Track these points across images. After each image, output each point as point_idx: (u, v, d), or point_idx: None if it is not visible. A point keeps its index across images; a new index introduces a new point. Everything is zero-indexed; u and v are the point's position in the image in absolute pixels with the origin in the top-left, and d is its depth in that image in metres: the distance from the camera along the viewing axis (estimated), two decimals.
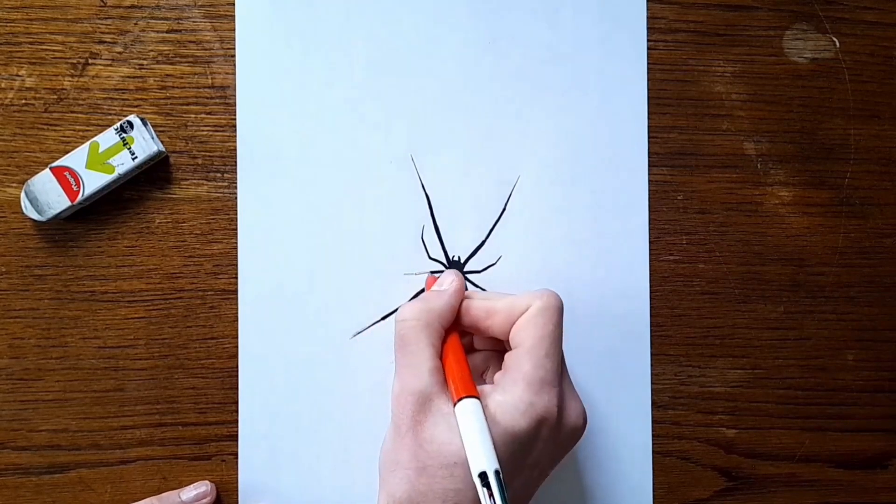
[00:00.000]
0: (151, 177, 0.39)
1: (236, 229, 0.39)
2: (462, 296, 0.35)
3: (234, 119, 0.39)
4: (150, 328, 0.39)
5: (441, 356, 0.33)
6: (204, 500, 0.38)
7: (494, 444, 0.29)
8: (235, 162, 0.39)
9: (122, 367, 0.39)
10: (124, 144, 0.37)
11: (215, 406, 0.39)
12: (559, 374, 0.32)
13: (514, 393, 0.31)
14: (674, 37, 0.41)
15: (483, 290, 0.40)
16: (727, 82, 0.41)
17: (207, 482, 0.38)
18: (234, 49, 0.39)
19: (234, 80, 0.39)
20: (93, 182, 0.37)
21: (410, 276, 0.40)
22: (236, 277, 0.39)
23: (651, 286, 0.41)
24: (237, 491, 0.39)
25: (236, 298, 0.39)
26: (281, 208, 0.39)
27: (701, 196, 0.41)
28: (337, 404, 0.39)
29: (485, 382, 0.35)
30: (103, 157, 0.37)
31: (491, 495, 0.28)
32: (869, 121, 0.42)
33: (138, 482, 0.39)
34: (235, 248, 0.39)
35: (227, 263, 0.39)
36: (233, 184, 0.39)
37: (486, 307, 0.34)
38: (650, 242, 0.41)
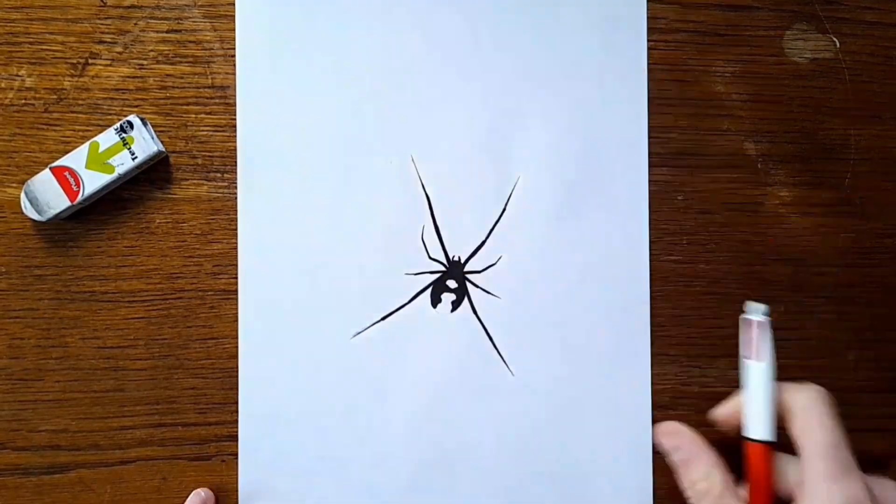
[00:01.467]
0: (151, 177, 0.39)
1: (236, 229, 0.39)
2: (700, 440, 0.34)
3: (234, 119, 0.39)
4: (150, 328, 0.39)
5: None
6: None
7: None
8: (235, 162, 0.39)
9: (122, 367, 0.39)
10: (124, 144, 0.37)
11: (215, 406, 0.39)
12: (854, 462, 0.30)
13: (819, 496, 0.29)
14: (674, 37, 0.41)
15: (485, 290, 0.40)
16: (728, 82, 0.41)
17: (202, 491, 0.38)
18: (234, 49, 0.39)
19: (234, 80, 0.39)
20: (93, 182, 0.37)
21: (410, 276, 0.40)
22: (236, 277, 0.39)
23: (652, 286, 0.40)
24: (237, 491, 0.39)
25: (236, 298, 0.39)
26: (281, 208, 0.39)
27: (702, 196, 0.41)
28: (337, 404, 0.39)
29: None
30: (103, 157, 0.37)
31: None
32: (869, 121, 0.42)
33: (138, 482, 0.39)
34: (235, 248, 0.39)
35: (227, 263, 0.39)
36: (233, 184, 0.39)
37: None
38: (651, 242, 0.41)
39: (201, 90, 0.39)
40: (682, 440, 0.34)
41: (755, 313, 0.36)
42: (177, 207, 0.39)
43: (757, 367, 0.36)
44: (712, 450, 0.33)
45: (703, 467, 0.33)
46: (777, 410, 0.33)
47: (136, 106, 0.39)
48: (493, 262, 0.40)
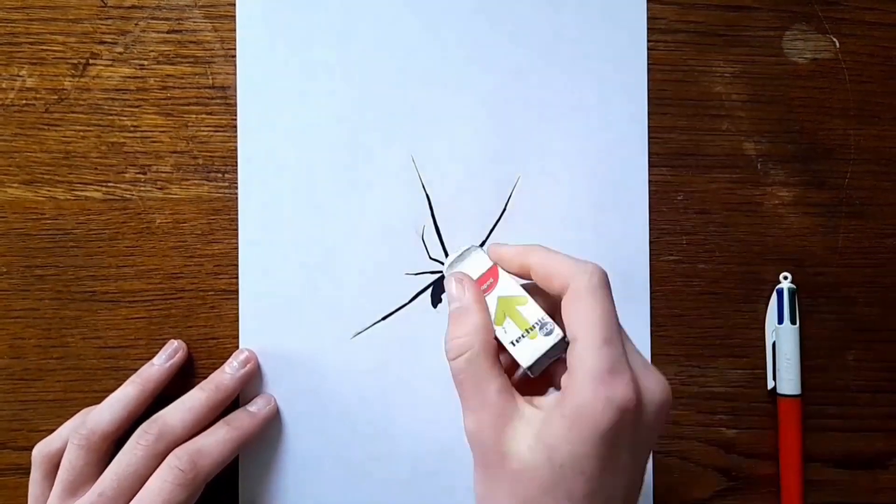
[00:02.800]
0: (152, 177, 0.39)
1: (236, 229, 0.39)
2: (482, 298, 0.32)
3: (235, 119, 0.39)
4: (150, 328, 0.39)
5: (503, 368, 0.31)
6: (176, 357, 0.38)
7: (585, 451, 0.27)
8: (236, 162, 0.39)
9: (122, 367, 0.39)
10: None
11: None
12: (624, 356, 0.29)
13: (584, 395, 0.28)
14: (674, 37, 0.41)
15: None
16: (727, 83, 0.41)
17: (175, 340, 0.38)
18: (234, 49, 0.39)
19: (235, 80, 0.39)
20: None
21: (410, 276, 0.40)
22: (236, 277, 0.39)
23: (651, 286, 0.41)
24: (237, 491, 0.39)
25: (236, 298, 0.39)
26: (281, 208, 0.39)
27: (701, 196, 0.41)
28: (337, 404, 0.39)
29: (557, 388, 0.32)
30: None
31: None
32: (869, 121, 0.42)
33: None
34: (235, 248, 0.39)
35: (228, 263, 0.39)
36: (233, 184, 0.39)
37: (545, 272, 0.31)
38: (650, 242, 0.41)
39: (202, 90, 0.39)
40: (467, 289, 0.32)
41: (786, 282, 0.41)
42: (177, 207, 0.39)
43: (788, 329, 0.40)
44: (486, 313, 0.31)
45: (469, 325, 0.31)
46: (548, 273, 0.31)
47: (137, 106, 0.39)
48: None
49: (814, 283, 0.41)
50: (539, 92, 0.40)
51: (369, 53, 0.40)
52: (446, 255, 0.40)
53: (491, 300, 0.32)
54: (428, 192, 0.40)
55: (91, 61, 0.39)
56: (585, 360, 0.28)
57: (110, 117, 0.39)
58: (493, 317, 0.32)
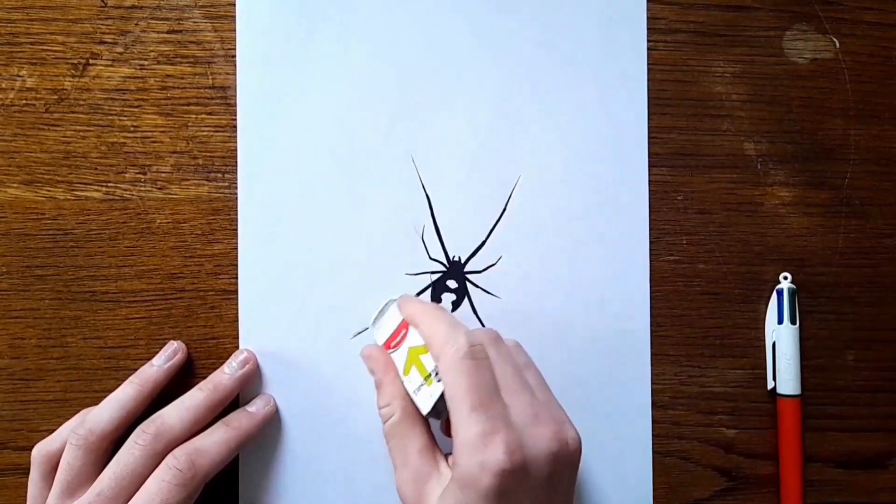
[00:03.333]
0: (152, 177, 0.39)
1: (236, 229, 0.39)
2: (391, 368, 0.35)
3: (235, 119, 0.39)
4: (150, 328, 0.39)
5: (429, 431, 0.33)
6: (176, 358, 0.38)
7: None
8: (236, 162, 0.39)
9: (122, 367, 0.39)
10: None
11: None
12: (500, 419, 0.30)
13: (462, 462, 0.29)
14: (674, 37, 0.41)
15: (486, 291, 0.40)
16: (727, 83, 0.41)
17: (175, 341, 0.39)
18: (234, 49, 0.39)
19: (235, 80, 0.39)
20: None
21: (411, 276, 0.40)
22: (236, 277, 0.39)
23: (651, 286, 0.41)
24: (237, 491, 0.39)
25: (236, 298, 0.39)
26: (281, 208, 0.39)
27: (701, 196, 0.41)
28: (337, 404, 0.39)
29: None
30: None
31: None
32: (869, 121, 0.42)
33: None
34: (235, 248, 0.39)
35: (228, 263, 0.39)
36: (233, 184, 0.39)
37: (426, 341, 0.34)
38: (650, 243, 0.41)
39: (202, 90, 0.39)
40: (376, 364, 0.35)
41: (786, 282, 0.41)
42: (177, 207, 0.39)
43: (788, 329, 0.40)
44: (398, 381, 0.34)
45: (387, 396, 0.34)
46: (427, 342, 0.33)
47: (137, 106, 0.39)
48: (493, 263, 0.40)
49: (814, 283, 0.41)
50: (539, 92, 0.40)
51: (369, 53, 0.40)
52: (446, 255, 0.40)
53: (401, 352, 0.35)
54: (428, 192, 0.40)
55: (91, 61, 0.39)
56: (457, 430, 0.30)
57: (110, 117, 0.39)
58: (402, 369, 0.35)
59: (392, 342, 0.36)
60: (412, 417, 0.33)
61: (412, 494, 0.32)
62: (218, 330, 0.39)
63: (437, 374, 0.33)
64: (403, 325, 0.36)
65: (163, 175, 0.39)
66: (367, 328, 0.39)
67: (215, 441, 0.35)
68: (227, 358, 0.38)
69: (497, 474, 0.28)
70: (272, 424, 0.39)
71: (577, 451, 0.32)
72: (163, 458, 0.34)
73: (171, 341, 0.38)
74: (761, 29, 0.41)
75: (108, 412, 0.35)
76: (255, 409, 0.38)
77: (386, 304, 0.37)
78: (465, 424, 0.29)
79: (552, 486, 0.30)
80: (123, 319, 0.39)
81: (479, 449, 0.29)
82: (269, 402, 0.38)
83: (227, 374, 0.37)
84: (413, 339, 0.35)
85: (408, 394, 0.34)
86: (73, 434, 0.35)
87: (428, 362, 0.34)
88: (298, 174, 0.39)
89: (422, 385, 0.33)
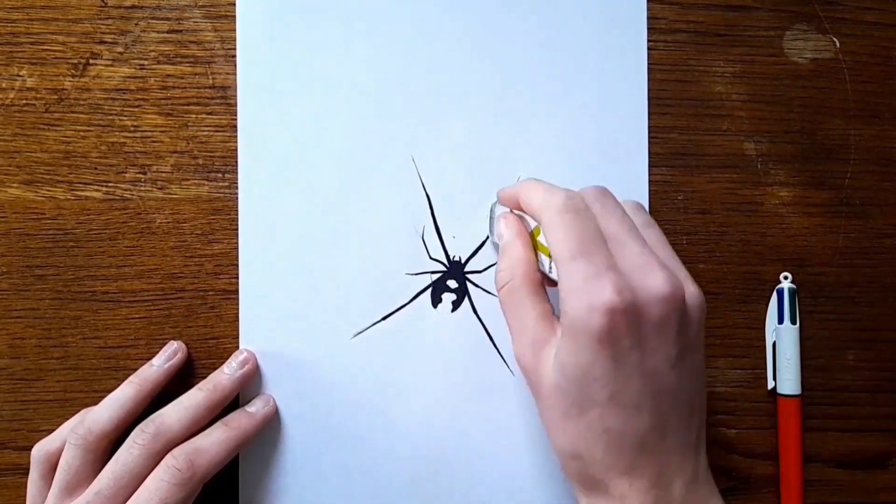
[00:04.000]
0: (152, 177, 0.39)
1: (236, 229, 0.39)
2: (523, 232, 0.34)
3: (235, 119, 0.39)
4: (150, 328, 0.39)
5: (548, 300, 0.32)
6: (175, 358, 0.38)
7: (588, 359, 0.29)
8: (236, 162, 0.39)
9: (122, 367, 0.39)
10: None
11: None
12: (604, 263, 0.29)
13: (569, 309, 0.29)
14: (674, 37, 0.41)
15: (486, 291, 0.40)
16: (727, 82, 0.41)
17: (175, 341, 0.39)
18: (234, 49, 0.39)
19: (235, 80, 0.39)
20: None
21: (411, 276, 0.40)
22: (236, 277, 0.39)
23: None
24: (237, 491, 0.39)
25: (236, 298, 0.39)
26: (281, 208, 0.39)
27: (701, 196, 0.41)
28: (337, 404, 0.39)
29: None
30: None
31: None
32: (869, 121, 0.42)
33: None
34: (236, 248, 0.39)
35: (228, 263, 0.39)
36: (233, 184, 0.39)
37: (528, 210, 0.33)
38: None
39: (202, 90, 0.39)
40: (509, 225, 0.34)
41: (786, 282, 0.41)
42: (177, 207, 0.39)
43: (788, 329, 0.40)
44: (529, 247, 0.33)
45: (512, 258, 0.33)
46: (530, 211, 0.33)
47: (137, 106, 0.39)
48: (494, 262, 0.40)
49: (814, 283, 0.41)
50: (539, 92, 0.40)
51: (369, 53, 0.40)
52: (446, 255, 0.40)
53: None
54: (428, 192, 0.40)
55: (91, 61, 0.39)
56: (562, 279, 0.29)
57: (110, 117, 0.39)
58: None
59: None
60: (533, 284, 0.32)
61: (531, 360, 0.31)
62: (218, 330, 0.39)
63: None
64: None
65: (163, 175, 0.39)
66: (367, 328, 0.39)
67: (214, 441, 0.35)
68: (228, 358, 0.38)
69: (606, 312, 0.28)
70: (272, 424, 0.39)
71: (697, 305, 0.30)
72: (162, 458, 0.34)
73: (172, 341, 0.38)
74: (761, 29, 0.41)
75: (108, 412, 0.35)
76: (255, 409, 0.38)
77: (491, 209, 0.38)
78: (569, 272, 0.29)
79: (667, 335, 0.29)
80: (123, 319, 0.39)
81: (584, 292, 0.28)
82: (269, 403, 0.38)
83: (226, 375, 0.37)
84: (528, 223, 0.35)
85: (534, 263, 0.33)
86: (73, 433, 0.35)
87: (543, 238, 0.33)
88: (298, 174, 0.39)
89: (550, 264, 0.32)
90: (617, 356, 0.29)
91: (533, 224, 0.34)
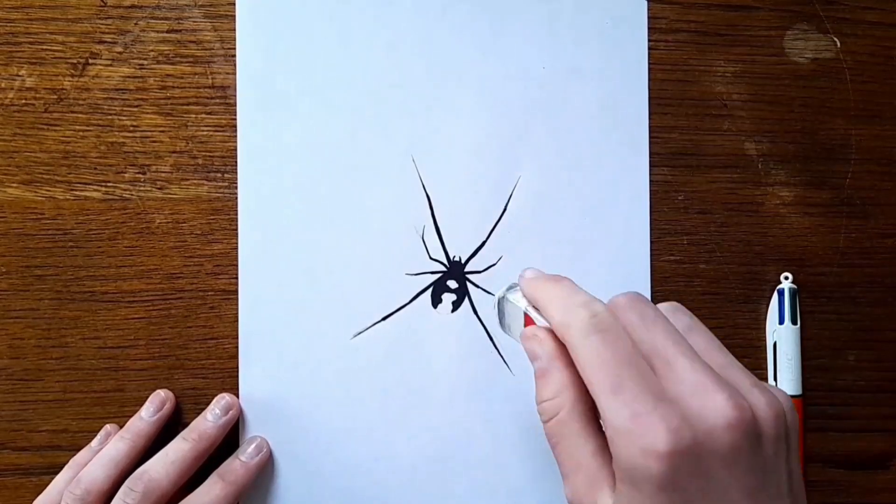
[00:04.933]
0: (151, 177, 0.39)
1: (236, 229, 0.39)
2: (563, 352, 0.28)
3: (235, 119, 0.39)
4: (150, 328, 0.39)
5: (601, 429, 0.27)
6: (165, 409, 0.38)
7: None
8: (235, 162, 0.39)
9: (122, 367, 0.39)
10: None
11: None
12: (649, 391, 0.25)
13: (620, 452, 0.25)
14: (675, 37, 0.41)
15: (486, 291, 0.40)
16: (728, 82, 0.41)
17: (162, 391, 0.38)
18: (234, 49, 0.39)
19: (235, 80, 0.39)
20: None
21: (411, 277, 0.40)
22: (236, 277, 0.39)
23: (652, 286, 0.40)
24: None
25: (236, 298, 0.39)
26: (281, 208, 0.39)
27: (702, 196, 0.41)
28: (337, 405, 0.39)
29: None
30: None
31: None
32: (870, 121, 0.42)
33: None
34: (235, 248, 0.39)
35: (228, 263, 0.39)
36: (233, 184, 0.39)
37: (546, 317, 0.29)
38: (651, 243, 0.41)
39: (201, 90, 0.39)
40: (542, 347, 0.29)
41: (787, 282, 0.41)
42: (177, 207, 0.39)
43: (789, 329, 0.40)
44: (571, 367, 0.27)
45: (555, 386, 0.28)
46: (549, 319, 0.29)
47: (137, 106, 0.39)
48: (494, 263, 0.40)
49: (815, 283, 0.41)
50: (539, 92, 0.40)
51: (369, 53, 0.40)
52: (446, 255, 0.40)
53: None
54: (428, 192, 0.40)
55: (90, 61, 0.39)
56: (605, 419, 0.25)
57: (110, 117, 0.39)
58: None
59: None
60: (584, 414, 0.27)
61: (587, 502, 0.27)
62: (218, 330, 0.39)
63: None
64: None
65: (162, 175, 0.39)
66: (367, 328, 0.39)
67: (214, 499, 0.36)
68: (226, 358, 0.38)
69: (664, 457, 0.24)
70: (272, 425, 0.39)
71: (772, 419, 0.25)
72: None
73: (159, 391, 0.38)
74: (762, 28, 0.41)
75: (103, 471, 0.35)
76: (249, 458, 0.38)
77: (501, 299, 0.32)
78: (611, 409, 0.25)
79: (741, 464, 0.25)
80: (123, 319, 0.39)
81: (634, 434, 0.24)
82: (263, 449, 0.38)
83: (210, 422, 0.37)
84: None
85: (582, 386, 0.27)
86: (70, 494, 0.35)
87: None
88: (298, 174, 0.39)
89: None
90: (687, 501, 0.24)
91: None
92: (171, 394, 0.38)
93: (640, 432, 0.24)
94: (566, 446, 0.28)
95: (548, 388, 0.28)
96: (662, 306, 0.29)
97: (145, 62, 0.39)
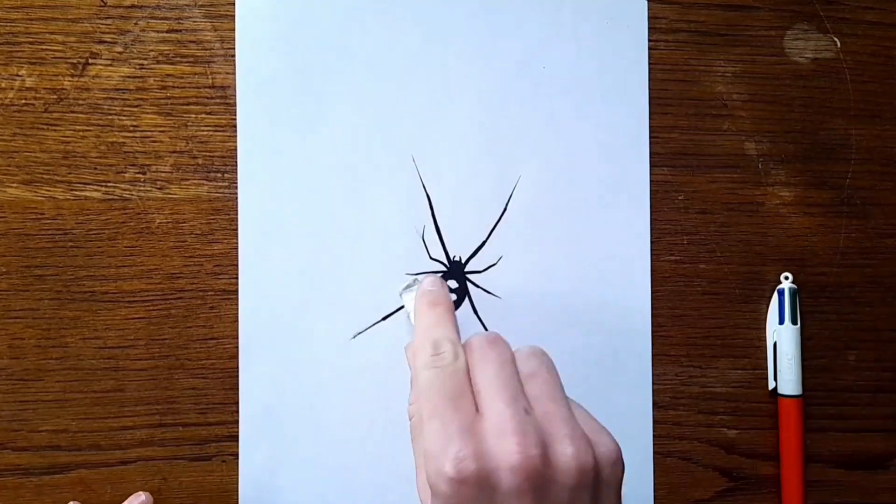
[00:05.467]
0: (151, 177, 0.39)
1: (236, 229, 0.39)
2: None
3: (234, 119, 0.39)
4: (150, 328, 0.39)
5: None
6: None
7: None
8: (235, 162, 0.39)
9: (122, 367, 0.39)
10: None
11: (215, 406, 0.39)
12: (459, 424, 0.27)
13: (428, 472, 0.27)
14: (675, 37, 0.41)
15: (486, 291, 0.40)
16: (728, 82, 0.41)
17: (143, 493, 0.38)
18: (234, 49, 0.39)
19: (234, 80, 0.39)
20: None
21: (411, 277, 0.40)
22: (236, 277, 0.39)
23: (652, 286, 0.40)
24: (237, 491, 0.39)
25: (236, 298, 0.39)
26: (281, 208, 0.39)
27: (702, 196, 0.41)
28: (337, 405, 0.39)
29: None
30: None
31: None
32: (870, 121, 0.42)
33: (138, 483, 0.39)
34: (235, 248, 0.39)
35: (228, 263, 0.39)
36: (233, 184, 0.39)
37: None
38: (651, 242, 0.41)
39: (201, 90, 0.39)
40: (413, 361, 0.33)
41: (787, 282, 0.41)
42: (177, 207, 0.39)
43: (789, 329, 0.40)
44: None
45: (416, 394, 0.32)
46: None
47: (137, 106, 0.39)
48: (494, 263, 0.40)
49: (815, 283, 0.41)
50: (539, 92, 0.40)
51: (369, 53, 0.40)
52: (447, 255, 0.40)
53: None
54: (428, 192, 0.40)
55: (90, 61, 0.39)
56: (423, 439, 0.29)
57: (110, 117, 0.39)
58: None
59: None
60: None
61: (424, 498, 0.30)
62: (218, 330, 0.39)
63: None
64: None
65: (162, 175, 0.39)
66: (367, 328, 0.39)
67: None
68: (226, 358, 0.38)
69: (449, 482, 0.26)
70: (272, 425, 0.39)
71: (574, 470, 0.27)
72: None
73: (139, 493, 0.38)
74: (762, 28, 0.41)
75: None
76: None
77: (402, 293, 0.37)
78: (425, 433, 0.28)
79: None
80: (123, 319, 0.39)
81: (433, 456, 0.27)
82: None
83: None
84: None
85: None
86: None
87: None
88: (298, 174, 0.39)
89: None
90: None
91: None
92: (150, 497, 0.38)
93: (438, 456, 0.27)
94: (417, 446, 0.31)
95: (412, 394, 0.32)
96: (522, 350, 0.31)
97: (145, 62, 0.39)
